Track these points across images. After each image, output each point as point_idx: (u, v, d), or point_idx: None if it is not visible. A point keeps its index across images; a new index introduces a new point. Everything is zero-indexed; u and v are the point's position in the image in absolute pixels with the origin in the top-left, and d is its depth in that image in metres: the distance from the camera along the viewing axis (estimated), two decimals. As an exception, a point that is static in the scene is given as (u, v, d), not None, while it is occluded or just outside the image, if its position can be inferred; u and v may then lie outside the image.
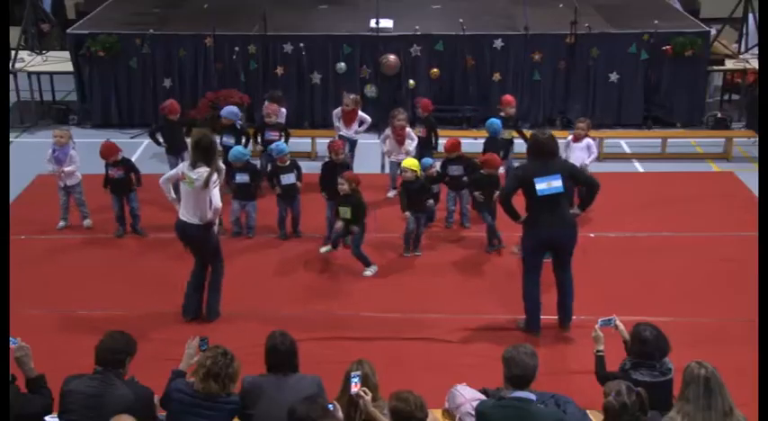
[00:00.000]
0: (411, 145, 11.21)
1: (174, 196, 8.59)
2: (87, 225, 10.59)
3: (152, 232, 10.38)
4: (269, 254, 10.02)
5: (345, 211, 9.30)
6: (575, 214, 8.20)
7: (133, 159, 11.74)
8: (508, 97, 11.59)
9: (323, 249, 9.79)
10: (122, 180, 10.23)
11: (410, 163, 9.81)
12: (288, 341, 5.91)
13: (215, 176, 8.11)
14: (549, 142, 8.01)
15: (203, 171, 8.08)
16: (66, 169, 10.28)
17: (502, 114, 11.35)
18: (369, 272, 9.52)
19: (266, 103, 11.71)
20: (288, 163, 10.17)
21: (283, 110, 11.93)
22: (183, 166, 8.37)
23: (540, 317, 8.31)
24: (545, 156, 7.93)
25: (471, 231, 10.39)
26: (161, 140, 11.40)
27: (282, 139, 11.25)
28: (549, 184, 7.81)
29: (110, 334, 5.81)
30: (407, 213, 9.74)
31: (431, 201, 9.97)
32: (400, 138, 11.15)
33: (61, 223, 10.59)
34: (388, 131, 11.28)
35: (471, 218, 10.53)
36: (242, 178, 10.17)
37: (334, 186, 9.50)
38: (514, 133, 11.43)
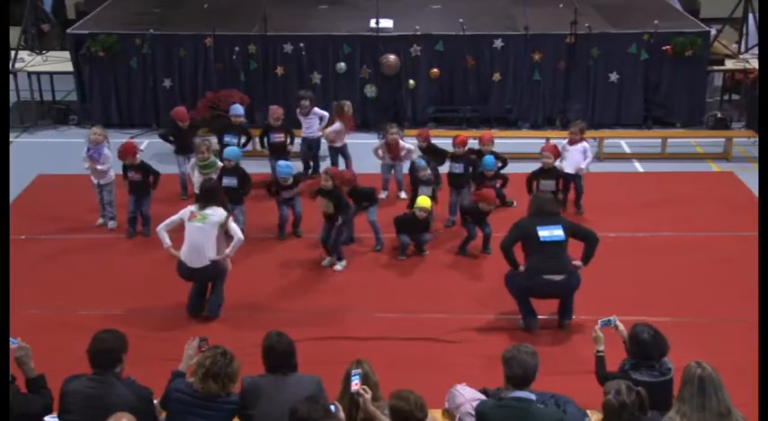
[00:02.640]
0: (404, 152, 11.22)
1: (169, 243, 8.56)
2: (111, 226, 10.58)
3: (153, 232, 10.39)
4: (269, 254, 10.01)
5: (328, 205, 9.37)
6: (577, 267, 8.26)
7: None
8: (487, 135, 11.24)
9: (325, 262, 9.73)
10: (140, 183, 10.29)
11: (425, 202, 9.72)
12: (285, 341, 5.90)
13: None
14: (549, 203, 8.40)
15: (217, 208, 8.43)
16: (99, 167, 10.30)
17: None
18: (339, 266, 9.63)
19: (273, 106, 11.71)
20: (290, 182, 10.16)
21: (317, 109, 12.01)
22: (188, 209, 8.45)
23: (538, 317, 8.33)
24: (545, 214, 8.25)
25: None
26: (172, 140, 11.49)
27: (288, 139, 11.51)
28: (551, 233, 8.09)
29: (97, 336, 5.74)
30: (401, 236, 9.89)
31: (427, 236, 9.99)
32: (394, 155, 11.15)
33: (100, 220, 10.60)
34: (381, 145, 11.26)
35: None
36: (230, 182, 9.97)
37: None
38: None
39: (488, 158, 10.64)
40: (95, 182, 10.47)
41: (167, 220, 8.59)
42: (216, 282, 8.65)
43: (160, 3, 15.72)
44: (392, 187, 11.46)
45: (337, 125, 11.68)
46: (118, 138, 13.31)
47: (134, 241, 10.33)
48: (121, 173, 10.40)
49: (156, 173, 10.44)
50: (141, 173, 10.28)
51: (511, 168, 11.19)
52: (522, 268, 8.21)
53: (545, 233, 8.09)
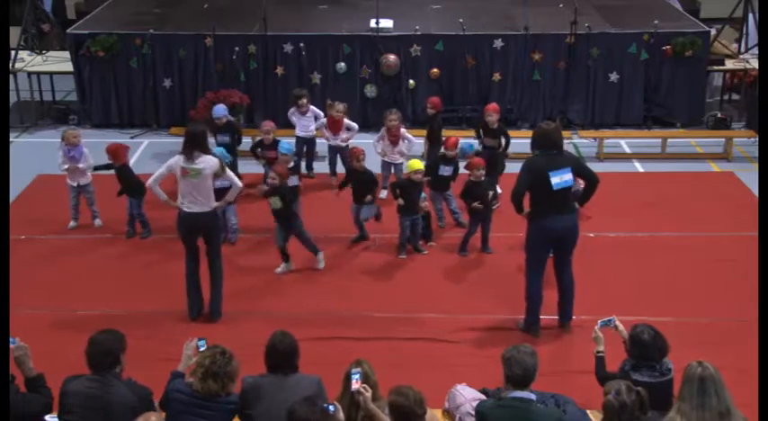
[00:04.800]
0: (405, 145, 11.24)
1: (166, 197, 8.51)
2: (98, 224, 10.60)
3: (153, 233, 10.38)
4: (267, 254, 9.98)
5: (275, 201, 9.28)
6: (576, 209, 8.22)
7: (133, 159, 11.77)
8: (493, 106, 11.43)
9: (280, 269, 9.61)
10: (124, 186, 10.28)
11: (418, 165, 9.72)
12: (287, 340, 5.90)
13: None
14: (555, 133, 7.94)
15: (208, 159, 8.21)
16: (81, 166, 10.29)
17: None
18: (321, 265, 9.61)
19: (265, 122, 11.62)
20: (291, 164, 10.11)
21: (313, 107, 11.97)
22: (177, 162, 8.25)
23: (540, 318, 8.31)
24: (551, 148, 7.86)
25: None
26: None
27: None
28: (561, 178, 7.79)
29: (94, 338, 5.67)
30: (405, 220, 9.81)
31: (425, 200, 9.93)
32: (394, 139, 11.17)
33: (72, 223, 10.58)
34: (382, 132, 11.29)
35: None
36: (221, 183, 9.75)
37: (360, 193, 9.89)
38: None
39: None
40: (74, 184, 10.40)
41: (156, 174, 8.43)
42: (210, 242, 8.53)
43: (160, 3, 15.71)
44: (392, 179, 11.44)
45: (324, 120, 11.74)
46: (118, 139, 13.35)
47: (134, 241, 10.32)
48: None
49: (140, 184, 10.12)
50: (120, 178, 10.25)
51: (510, 168, 11.18)
52: (526, 212, 8.07)
53: (557, 179, 7.74)
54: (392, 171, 11.36)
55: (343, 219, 10.32)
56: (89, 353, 5.62)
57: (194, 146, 8.21)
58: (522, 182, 7.96)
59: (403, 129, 11.26)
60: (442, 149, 10.47)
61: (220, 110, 11.40)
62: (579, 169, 8.07)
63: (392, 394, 5.41)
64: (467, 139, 10.91)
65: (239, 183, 8.57)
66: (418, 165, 9.75)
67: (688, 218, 10.84)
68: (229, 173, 8.50)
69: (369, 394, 5.53)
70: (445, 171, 10.34)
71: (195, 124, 8.94)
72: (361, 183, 10.01)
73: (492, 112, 11.06)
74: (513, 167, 11.12)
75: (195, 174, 8.17)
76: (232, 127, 11.50)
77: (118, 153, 10.25)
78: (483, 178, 9.81)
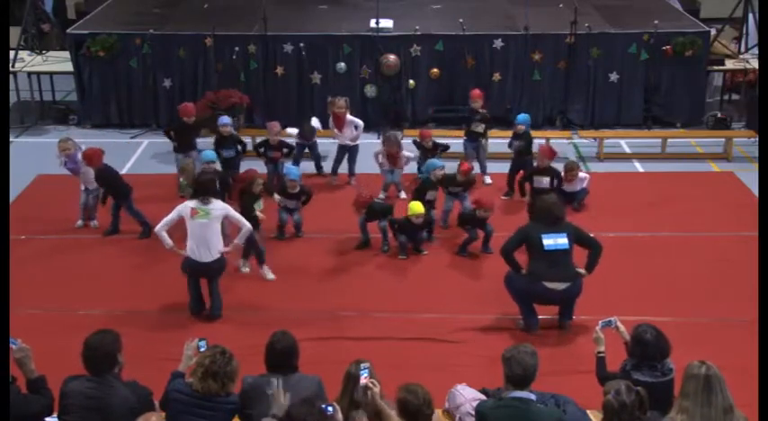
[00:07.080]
0: (404, 160, 11.36)
1: (171, 243, 8.61)
2: (94, 225, 10.63)
3: (153, 232, 10.39)
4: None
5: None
6: (581, 274, 8.24)
7: (133, 159, 11.77)
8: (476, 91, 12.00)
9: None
10: (106, 192, 10.34)
11: (419, 208, 9.69)
12: (287, 340, 5.90)
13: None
14: (555, 207, 8.31)
15: (216, 201, 8.51)
16: (83, 170, 10.33)
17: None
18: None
19: (271, 123, 11.66)
20: (297, 190, 10.14)
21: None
22: (189, 205, 8.47)
23: (540, 317, 8.33)
24: (552, 219, 8.19)
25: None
26: (172, 136, 11.50)
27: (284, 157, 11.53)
28: (555, 241, 8.05)
29: (88, 342, 5.60)
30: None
31: (424, 235, 10.07)
32: (394, 160, 11.25)
33: (79, 222, 10.62)
34: (382, 149, 11.31)
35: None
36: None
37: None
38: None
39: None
40: (82, 187, 10.48)
41: (165, 219, 8.56)
42: (213, 280, 8.64)
43: (160, 3, 15.71)
44: (392, 186, 11.46)
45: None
46: (118, 139, 13.39)
47: (133, 242, 10.31)
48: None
49: (125, 186, 10.27)
50: (101, 182, 10.21)
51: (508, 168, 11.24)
52: (523, 271, 8.22)
53: (549, 241, 8.04)
54: (392, 176, 11.37)
55: (342, 220, 10.32)
56: (86, 358, 5.58)
57: (206, 193, 8.51)
58: (512, 240, 8.27)
59: (402, 152, 11.26)
60: (456, 174, 10.40)
61: (226, 119, 11.44)
62: (579, 238, 8.25)
63: (402, 391, 5.40)
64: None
65: (248, 225, 8.61)
66: (419, 208, 9.71)
67: (688, 218, 10.84)
68: (235, 215, 8.60)
69: (377, 389, 5.51)
70: (457, 190, 10.50)
71: (205, 173, 9.50)
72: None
73: (477, 99, 11.69)
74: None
75: (204, 213, 8.36)
76: (236, 140, 11.47)
77: (93, 157, 10.08)
78: (487, 215, 9.84)
